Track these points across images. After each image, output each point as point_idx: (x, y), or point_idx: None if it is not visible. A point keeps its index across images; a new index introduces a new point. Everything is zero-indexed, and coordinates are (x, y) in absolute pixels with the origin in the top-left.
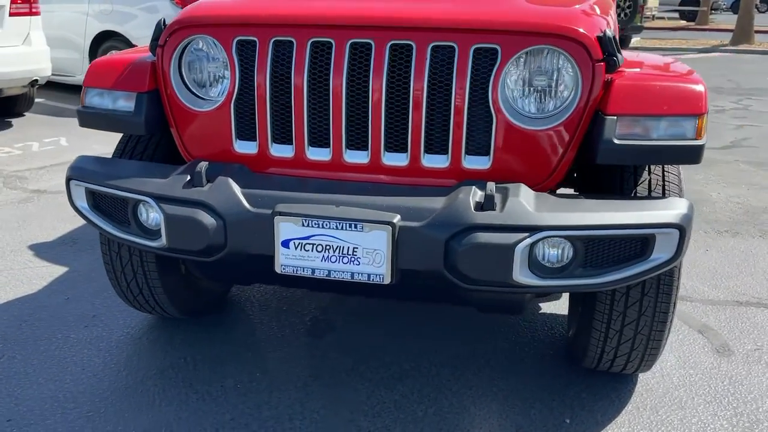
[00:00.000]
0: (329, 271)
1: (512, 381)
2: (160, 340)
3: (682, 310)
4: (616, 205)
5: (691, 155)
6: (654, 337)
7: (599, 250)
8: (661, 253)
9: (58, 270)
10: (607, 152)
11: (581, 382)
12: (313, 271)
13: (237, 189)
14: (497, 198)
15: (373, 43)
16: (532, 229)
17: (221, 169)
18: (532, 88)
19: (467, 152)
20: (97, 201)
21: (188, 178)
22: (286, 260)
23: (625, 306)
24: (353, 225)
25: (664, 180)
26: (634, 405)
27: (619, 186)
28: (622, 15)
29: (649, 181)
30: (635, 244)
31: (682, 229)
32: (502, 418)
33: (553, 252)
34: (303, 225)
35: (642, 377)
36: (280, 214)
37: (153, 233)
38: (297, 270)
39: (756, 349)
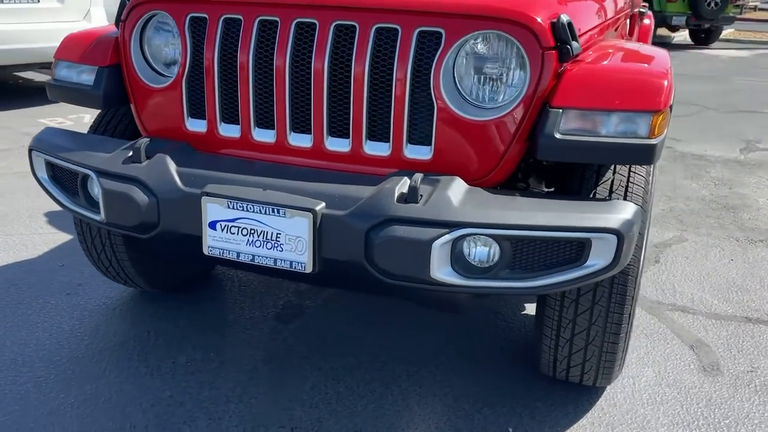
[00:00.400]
0: (253, 256)
1: (468, 382)
2: (131, 312)
3: (678, 322)
4: (552, 204)
5: (643, 155)
6: (607, 348)
7: (529, 251)
8: (597, 259)
9: (63, 238)
10: (547, 147)
11: (542, 390)
12: (238, 254)
13: (173, 167)
14: (424, 190)
15: (317, 23)
16: (452, 225)
17: (163, 146)
18: (476, 76)
19: (409, 141)
20: (55, 172)
21: (129, 153)
22: (213, 242)
23: (574, 314)
24: (276, 210)
25: (628, 181)
26: (590, 420)
27: (578, 185)
28: (713, 5)
29: (612, 182)
30: (569, 248)
31: (620, 234)
32: (441, 420)
33: (483, 251)
34: (228, 207)
35: (610, 391)
36: (208, 194)
37: (97, 206)
38: (223, 253)
39: (749, 371)
